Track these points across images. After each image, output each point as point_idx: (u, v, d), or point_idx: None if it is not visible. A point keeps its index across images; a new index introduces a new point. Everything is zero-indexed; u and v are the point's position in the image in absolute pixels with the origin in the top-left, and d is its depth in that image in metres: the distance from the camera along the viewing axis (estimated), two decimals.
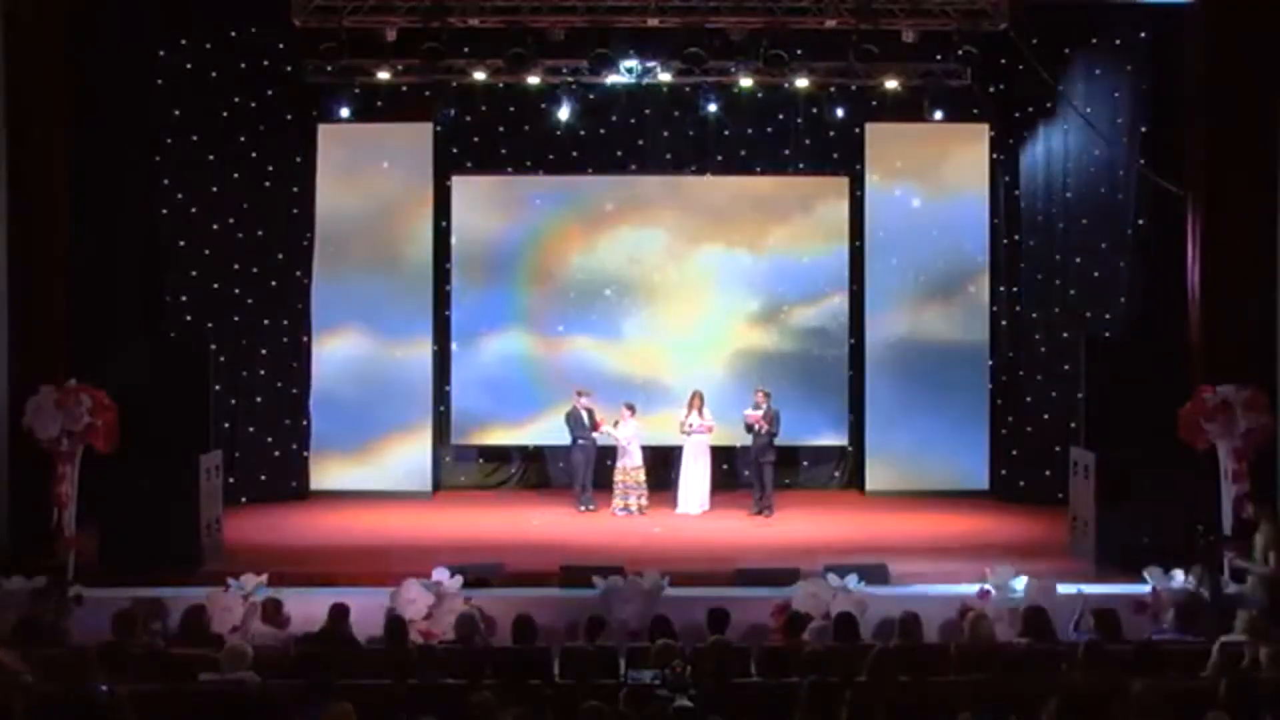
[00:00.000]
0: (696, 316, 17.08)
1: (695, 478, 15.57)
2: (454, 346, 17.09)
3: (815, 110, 16.22)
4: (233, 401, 15.95)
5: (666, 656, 8.27)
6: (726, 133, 16.75)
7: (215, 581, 11.22)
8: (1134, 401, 13.15)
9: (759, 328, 17.08)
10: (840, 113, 15.82)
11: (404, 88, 15.84)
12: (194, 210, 15.97)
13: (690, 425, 15.55)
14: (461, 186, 17.08)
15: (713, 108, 15.73)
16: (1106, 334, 15.60)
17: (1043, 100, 16.01)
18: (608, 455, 15.85)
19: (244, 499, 15.67)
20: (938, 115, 15.50)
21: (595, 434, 15.67)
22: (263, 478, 16.29)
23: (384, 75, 15.14)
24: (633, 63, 15.01)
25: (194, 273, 16.00)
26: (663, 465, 16.41)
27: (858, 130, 16.70)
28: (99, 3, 14.23)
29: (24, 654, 8.56)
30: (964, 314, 16.80)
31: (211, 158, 16.02)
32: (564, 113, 15.60)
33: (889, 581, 11.71)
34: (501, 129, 16.85)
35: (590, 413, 15.68)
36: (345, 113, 15.38)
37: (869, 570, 11.45)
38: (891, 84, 15.30)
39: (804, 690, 7.50)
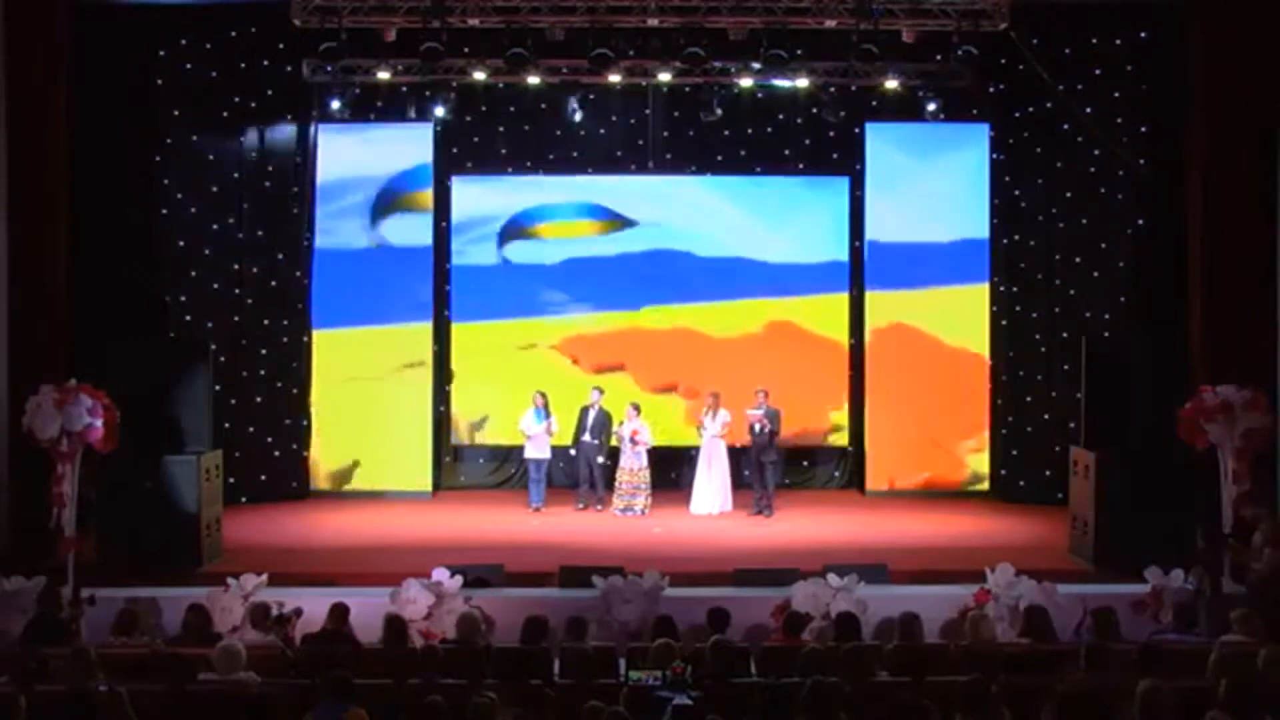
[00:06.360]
0: (696, 316, 17.08)
1: (713, 480, 15.47)
2: (454, 346, 17.09)
3: (815, 110, 16.22)
4: (233, 401, 15.94)
5: (666, 656, 8.26)
6: (726, 133, 16.73)
7: (215, 581, 11.24)
8: (1134, 401, 13.15)
9: (758, 327, 17.09)
10: (840, 113, 15.83)
11: (404, 88, 15.85)
12: (194, 210, 15.98)
13: (706, 429, 15.46)
14: (462, 186, 17.10)
15: (713, 108, 15.71)
16: (1106, 334, 15.60)
17: (1043, 100, 15.99)
18: (611, 455, 15.86)
19: (244, 499, 15.66)
20: (937, 115, 15.50)
21: (586, 438, 15.60)
22: (263, 478, 16.28)
23: (384, 75, 15.14)
24: None
25: (194, 273, 16.01)
26: (668, 466, 16.42)
27: (858, 130, 16.70)
28: (99, 3, 14.23)
29: (33, 653, 8.54)
30: (964, 313, 16.79)
31: (211, 158, 16.04)
32: (571, 113, 15.60)
33: (889, 581, 11.70)
34: (501, 129, 16.87)
35: (598, 412, 15.62)
36: (345, 113, 15.39)
37: (869, 570, 11.44)
38: (891, 84, 15.30)
39: (804, 690, 7.50)
